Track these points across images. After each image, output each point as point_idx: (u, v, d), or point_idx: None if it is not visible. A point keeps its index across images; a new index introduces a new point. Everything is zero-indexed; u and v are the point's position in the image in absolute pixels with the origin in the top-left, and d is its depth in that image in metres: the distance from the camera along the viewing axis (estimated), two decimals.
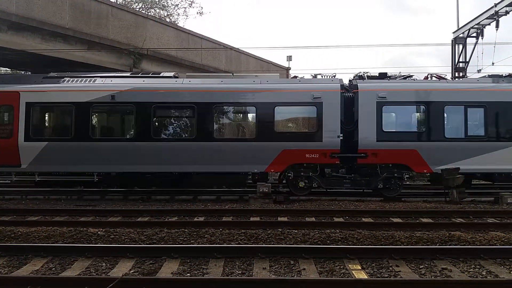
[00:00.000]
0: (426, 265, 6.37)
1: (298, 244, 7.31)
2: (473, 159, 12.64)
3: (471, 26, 18.86)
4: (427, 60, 66.40)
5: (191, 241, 7.59)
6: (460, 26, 19.98)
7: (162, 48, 21.57)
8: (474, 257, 6.62)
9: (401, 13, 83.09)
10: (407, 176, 13.05)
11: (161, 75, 13.83)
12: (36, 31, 16.73)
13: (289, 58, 31.82)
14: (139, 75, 13.89)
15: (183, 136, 13.19)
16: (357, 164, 12.88)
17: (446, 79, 13.58)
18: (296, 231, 8.07)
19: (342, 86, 13.06)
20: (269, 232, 8.01)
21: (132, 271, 6.14)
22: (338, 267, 6.24)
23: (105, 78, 13.24)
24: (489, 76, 13.79)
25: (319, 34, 79.93)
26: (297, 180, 12.90)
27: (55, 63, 18.02)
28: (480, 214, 10.44)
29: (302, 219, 9.98)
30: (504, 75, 13.53)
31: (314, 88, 12.82)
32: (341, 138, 12.59)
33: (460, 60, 19.74)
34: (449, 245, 7.38)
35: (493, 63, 18.83)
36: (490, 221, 9.74)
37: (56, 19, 17.17)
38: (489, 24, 18.31)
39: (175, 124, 13.41)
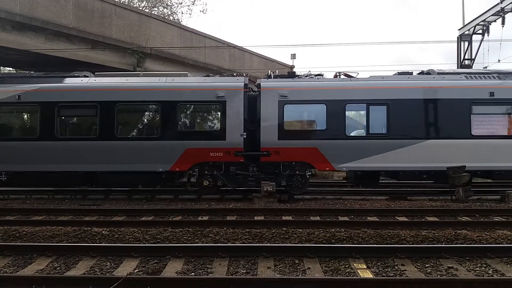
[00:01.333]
0: (432, 264, 6.33)
1: (302, 243, 7.28)
2: (376, 157, 12.62)
3: (477, 23, 18.78)
4: (432, 57, 66.16)
5: (196, 240, 7.58)
6: (466, 23, 19.88)
7: (166, 47, 21.58)
8: (481, 256, 6.57)
9: (404, 9, 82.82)
10: (309, 173, 13.02)
11: (70, 74, 13.81)
12: (40, 31, 16.79)
13: (293, 56, 31.75)
14: (48, 74, 13.86)
15: (87, 135, 13.21)
16: (261, 162, 12.91)
17: (353, 77, 13.51)
18: (300, 230, 8.04)
19: (246, 85, 13.09)
20: (273, 231, 7.99)
21: (136, 270, 6.13)
22: (343, 266, 6.21)
23: (14, 79, 13.54)
24: (399, 73, 13.82)
25: (324, 32, 79.81)
26: (202, 178, 12.94)
27: (58, 63, 18.08)
28: (486, 212, 10.35)
29: (307, 218, 9.95)
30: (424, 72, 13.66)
31: (218, 87, 12.89)
32: (245, 136, 12.66)
33: (466, 57, 19.63)
34: (455, 243, 7.33)
35: (499, 60, 18.74)
36: (497, 219, 9.67)
37: (60, 18, 17.22)
38: (495, 21, 18.23)
39: (78, 123, 13.64)
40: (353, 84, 13.11)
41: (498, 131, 12.72)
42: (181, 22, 29.35)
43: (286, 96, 12.80)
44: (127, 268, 6.19)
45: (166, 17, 29.06)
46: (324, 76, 13.58)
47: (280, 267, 6.22)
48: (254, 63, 28.04)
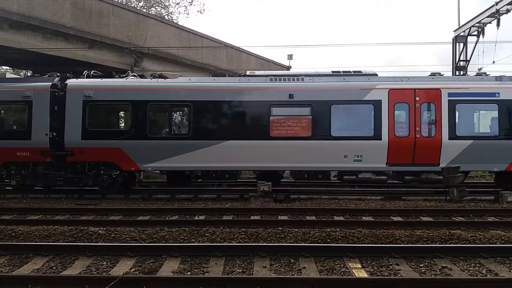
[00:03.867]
0: (426, 263, 6.37)
1: (298, 243, 7.31)
2: (179, 157, 12.81)
3: (472, 24, 18.86)
4: (427, 59, 66.32)
5: (192, 240, 7.59)
6: (461, 25, 19.96)
7: (163, 46, 21.57)
8: (474, 256, 6.62)
9: (401, 10, 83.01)
10: (116, 173, 13.17)
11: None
12: (37, 30, 16.75)
13: (290, 57, 31.80)
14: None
15: None
16: (68, 162, 13.04)
17: (167, 77, 13.73)
18: (296, 230, 8.08)
19: (55, 85, 13.17)
20: (269, 230, 8.02)
21: (132, 270, 6.15)
22: (339, 265, 6.25)
23: None
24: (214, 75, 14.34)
25: (321, 33, 79.89)
26: (10, 178, 13.12)
27: (56, 62, 18.04)
28: (480, 212, 10.42)
29: (303, 217, 9.99)
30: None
31: (25, 87, 13.04)
32: (51, 136, 12.83)
33: (461, 58, 19.72)
34: (449, 243, 7.37)
35: (494, 62, 18.84)
36: (491, 219, 9.74)
37: (57, 18, 17.19)
38: (490, 22, 18.30)
39: None
40: (157, 85, 13.25)
41: (296, 133, 12.88)
42: (178, 23, 29.28)
43: (91, 96, 12.95)
44: (123, 268, 6.20)
45: (163, 17, 29.02)
46: (131, 77, 13.77)
47: (276, 267, 6.24)
48: (251, 64, 28.04)
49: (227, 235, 7.78)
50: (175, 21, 31.07)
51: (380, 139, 12.65)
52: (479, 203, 12.02)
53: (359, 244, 7.25)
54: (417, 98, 12.76)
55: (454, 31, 20.17)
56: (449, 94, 12.74)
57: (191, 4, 41.05)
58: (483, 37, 18.90)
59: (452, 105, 12.70)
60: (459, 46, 19.82)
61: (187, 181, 14.59)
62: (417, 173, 13.02)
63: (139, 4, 31.35)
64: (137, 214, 10.41)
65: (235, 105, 13.05)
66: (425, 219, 9.89)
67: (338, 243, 7.29)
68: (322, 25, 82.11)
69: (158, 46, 21.26)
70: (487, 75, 13.63)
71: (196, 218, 9.95)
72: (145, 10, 27.96)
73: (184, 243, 7.41)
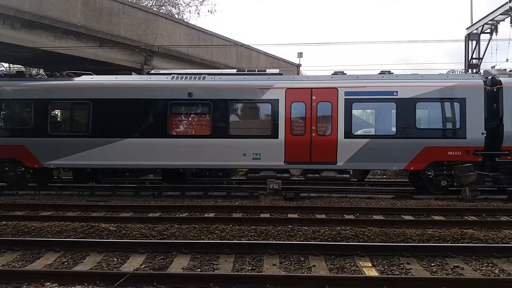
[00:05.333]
0: (437, 263, 6.31)
1: (308, 241, 7.29)
2: (81, 155, 12.88)
3: (485, 22, 18.59)
4: (436, 57, 65.69)
5: (202, 237, 7.62)
6: (473, 22, 19.71)
7: (173, 45, 21.63)
8: (487, 256, 6.54)
9: (412, 8, 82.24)
10: (21, 170, 13.27)
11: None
12: (49, 29, 16.91)
13: (300, 55, 31.72)
14: None
15: None
16: None
17: (74, 76, 13.76)
18: (306, 228, 8.06)
19: None
20: (279, 228, 8.02)
21: (143, 266, 6.18)
22: (349, 264, 6.22)
23: None
24: (150, 73, 14.21)
25: (331, 30, 79.51)
26: None
27: (67, 61, 18.20)
28: (493, 212, 10.30)
29: (312, 216, 9.96)
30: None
31: None
32: None
33: (474, 56, 19.47)
34: (461, 243, 7.30)
35: (507, 59, 18.59)
36: (504, 219, 9.62)
37: (69, 16, 17.33)
38: (503, 20, 18.03)
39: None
40: (59, 84, 13.40)
41: (195, 131, 12.89)
42: (188, 22, 29.35)
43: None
44: (133, 264, 6.24)
45: (173, 16, 29.10)
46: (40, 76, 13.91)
47: (285, 265, 6.23)
48: (261, 62, 28.02)
49: (236, 233, 7.79)
50: (186, 20, 31.15)
51: (277, 137, 12.67)
52: (491, 203, 11.86)
53: (369, 242, 7.20)
54: (314, 97, 12.74)
55: (467, 28, 19.90)
56: (346, 93, 12.68)
57: (201, 4, 41.12)
58: (496, 34, 18.61)
59: (348, 104, 12.64)
60: (472, 44, 19.56)
61: (92, 180, 14.52)
62: (317, 171, 12.99)
63: (149, 3, 31.46)
64: (147, 211, 10.47)
65: (134, 103, 13.02)
66: (436, 218, 9.80)
67: (348, 242, 7.26)
68: (333, 22, 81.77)
69: (168, 44, 21.33)
70: (391, 73, 13.42)
71: (206, 215, 9.98)
72: (155, 9, 28.07)
73: (194, 240, 7.43)
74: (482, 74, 13.54)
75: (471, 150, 12.34)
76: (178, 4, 33.38)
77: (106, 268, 6.14)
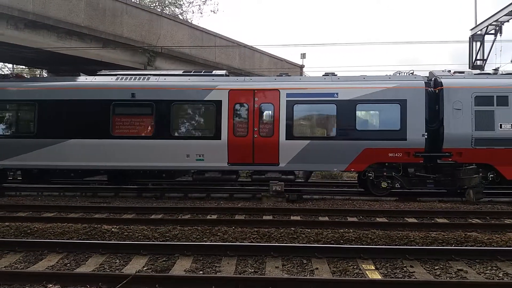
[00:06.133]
0: (441, 266, 6.29)
1: (311, 243, 7.27)
2: (26, 156, 12.95)
3: (490, 23, 18.55)
4: (441, 58, 65.47)
5: (204, 239, 7.61)
6: (478, 23, 19.65)
7: (176, 46, 21.65)
8: (491, 259, 6.51)
9: (416, 9, 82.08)
10: None
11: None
12: (52, 30, 16.94)
13: (303, 56, 31.74)
14: None
15: None
16: None
17: (24, 76, 13.83)
18: (309, 230, 8.03)
19: None
20: (281, 231, 7.99)
21: (145, 268, 6.18)
22: (352, 267, 6.20)
23: None
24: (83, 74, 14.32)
25: (334, 31, 79.40)
26: None
27: (70, 61, 18.24)
28: (497, 214, 10.25)
29: (315, 218, 9.93)
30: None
31: None
32: None
33: (478, 57, 19.42)
34: (465, 246, 7.27)
35: (511, 60, 18.51)
36: (508, 222, 9.55)
37: (72, 17, 17.36)
38: (507, 21, 17.98)
39: None
40: (5, 85, 13.51)
41: (138, 132, 12.92)
42: (192, 22, 29.39)
43: None
44: (136, 266, 6.24)
45: (176, 17, 29.14)
46: None
47: (288, 267, 6.22)
48: (264, 63, 28.01)
49: (239, 235, 7.77)
50: (188, 20, 31.19)
51: (220, 138, 12.67)
52: (496, 205, 11.80)
53: (373, 245, 7.18)
54: (256, 99, 12.74)
55: (471, 29, 19.86)
56: (288, 95, 12.66)
57: (204, 4, 41.22)
58: (500, 35, 18.59)
59: (290, 106, 12.63)
60: (476, 45, 19.51)
61: (40, 180, 14.50)
62: (261, 172, 12.98)
63: (153, 4, 31.52)
64: (150, 212, 10.46)
65: (78, 103, 13.01)
66: (440, 220, 9.75)
67: (351, 244, 7.24)
68: (336, 24, 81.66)
69: (171, 45, 21.35)
70: (335, 75, 13.42)
71: (208, 217, 9.96)
72: (159, 10, 28.10)
73: (196, 242, 7.42)
74: (427, 76, 13.49)
75: (411, 151, 12.29)
76: (182, 4, 33.45)
77: (108, 270, 6.14)
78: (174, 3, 32.68)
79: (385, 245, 7.19)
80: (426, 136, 12.25)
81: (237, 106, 12.82)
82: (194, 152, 12.72)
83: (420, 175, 12.63)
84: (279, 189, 12.19)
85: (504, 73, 12.99)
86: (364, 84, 12.70)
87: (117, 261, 6.50)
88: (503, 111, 12.15)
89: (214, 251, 6.75)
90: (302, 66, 32.30)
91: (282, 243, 7.30)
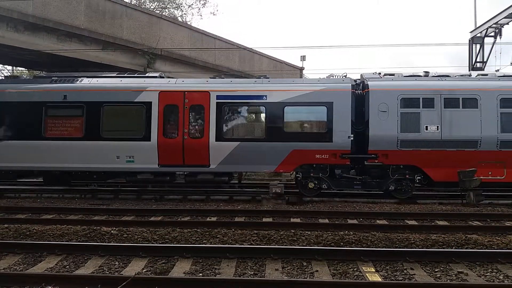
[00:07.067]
0: (441, 268, 6.27)
1: (311, 246, 7.26)
2: None
3: (489, 25, 18.58)
4: (438, 60, 65.63)
5: (204, 241, 7.59)
6: (477, 26, 19.68)
7: (176, 48, 21.67)
8: (491, 261, 6.50)
9: (414, 12, 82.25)
10: None
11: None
12: (52, 32, 16.96)
13: (303, 58, 31.80)
14: None
15: None
16: None
17: None
18: (309, 233, 8.01)
19: None
20: (281, 233, 7.97)
21: (144, 270, 6.16)
22: (352, 269, 6.18)
23: None
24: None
25: (333, 34, 79.52)
26: None
27: (70, 63, 18.25)
28: (497, 217, 10.22)
29: (315, 220, 9.91)
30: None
31: None
32: None
33: (478, 60, 19.44)
34: (466, 248, 7.26)
35: (511, 63, 18.54)
36: (508, 224, 9.53)
37: (72, 19, 17.38)
38: (507, 23, 18.01)
39: None
40: None
41: (70, 133, 12.94)
42: (191, 24, 29.43)
43: None
44: (135, 268, 6.22)
45: (176, 18, 29.18)
46: None
47: (288, 269, 6.20)
48: (263, 65, 28.05)
49: (239, 237, 7.75)
50: (188, 22, 31.24)
51: (150, 140, 12.69)
52: (496, 207, 11.78)
53: (373, 247, 7.16)
54: (186, 100, 12.77)
55: (471, 32, 19.88)
56: (218, 97, 12.72)
57: (204, 6, 41.34)
58: (500, 38, 18.61)
59: (220, 108, 12.68)
60: (476, 47, 19.53)
61: None
62: (193, 173, 13.02)
63: (152, 5, 31.57)
64: (149, 214, 10.44)
65: (12, 106, 13.07)
66: (440, 223, 9.72)
67: (351, 247, 7.22)
68: (335, 26, 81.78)
69: (171, 47, 21.37)
70: (267, 77, 13.52)
71: (208, 219, 9.94)
72: (158, 12, 28.13)
73: (196, 244, 7.41)
74: (359, 78, 13.56)
75: (338, 153, 12.35)
76: (181, 5, 33.53)
77: (107, 272, 6.11)
78: (173, 3, 32.73)
79: (386, 248, 7.16)
80: (352, 138, 12.30)
81: (167, 108, 12.84)
82: (124, 154, 12.74)
83: (346, 177, 12.67)
84: (279, 191, 12.17)
85: (435, 75, 12.97)
86: (292, 86, 12.86)
87: (116, 263, 6.48)
88: (429, 113, 12.20)
89: (214, 253, 6.72)
90: (302, 68, 32.35)
91: (282, 245, 7.27)
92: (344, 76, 13.26)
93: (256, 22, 78.56)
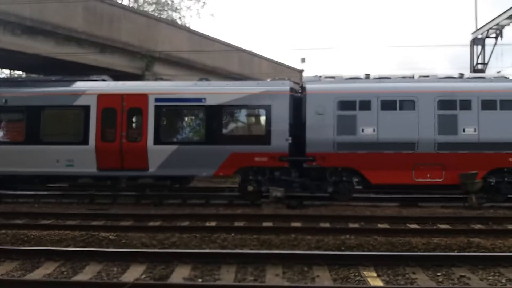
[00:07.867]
0: (443, 272, 6.20)
1: (312, 251, 7.20)
2: None
3: (490, 27, 18.59)
4: (438, 61, 65.75)
5: (203, 246, 7.54)
6: (478, 27, 19.69)
7: (175, 50, 21.63)
8: (494, 265, 6.43)
9: (416, 13, 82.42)
10: None
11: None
12: (50, 35, 16.93)
13: (303, 60, 31.83)
14: None
15: None
16: None
17: None
18: (310, 237, 7.94)
19: None
20: (282, 238, 7.91)
21: (143, 276, 6.09)
22: (353, 274, 6.11)
23: None
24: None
25: (333, 35, 79.68)
26: None
27: (68, 67, 18.20)
28: (500, 220, 10.15)
29: (316, 225, 9.82)
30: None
31: None
32: None
33: (479, 61, 19.44)
34: (468, 252, 7.20)
35: None
36: (511, 227, 9.47)
37: (69, 23, 17.36)
38: (508, 24, 18.02)
39: None
40: None
41: (11, 137, 13.09)
42: (190, 26, 29.45)
43: None
44: (134, 274, 6.14)
45: (175, 21, 29.18)
46: None
47: (288, 275, 6.13)
48: (263, 67, 28.05)
49: (238, 242, 7.70)
50: (187, 24, 31.27)
51: (88, 144, 12.65)
52: (498, 210, 11.72)
53: (374, 252, 7.11)
54: (124, 104, 12.71)
55: (472, 33, 19.87)
56: (156, 100, 12.66)
57: (202, 7, 41.39)
58: (501, 39, 18.63)
59: (158, 110, 12.65)
60: (477, 48, 19.52)
61: None
62: (134, 177, 12.96)
63: (151, 8, 31.56)
64: (148, 219, 10.34)
65: None
66: (442, 226, 9.66)
67: (352, 251, 7.18)
68: (334, 27, 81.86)
69: (169, 50, 21.34)
70: (208, 80, 13.58)
71: (207, 224, 9.86)
72: (156, 14, 28.12)
73: (195, 249, 7.34)
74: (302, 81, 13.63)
75: (276, 156, 12.32)
76: (180, 9, 33.56)
77: (106, 278, 6.03)
78: (172, 6, 32.73)
79: (387, 252, 7.11)
80: (289, 141, 12.30)
81: (106, 111, 12.77)
82: (64, 158, 12.69)
83: (285, 179, 12.59)
84: (279, 195, 12.11)
85: (376, 77, 12.96)
86: (231, 89, 12.88)
87: (115, 269, 6.39)
88: (365, 115, 12.20)
89: (214, 258, 6.65)
90: (301, 71, 32.34)
91: (283, 250, 7.22)
92: (286, 79, 13.29)
93: (256, 24, 78.71)
